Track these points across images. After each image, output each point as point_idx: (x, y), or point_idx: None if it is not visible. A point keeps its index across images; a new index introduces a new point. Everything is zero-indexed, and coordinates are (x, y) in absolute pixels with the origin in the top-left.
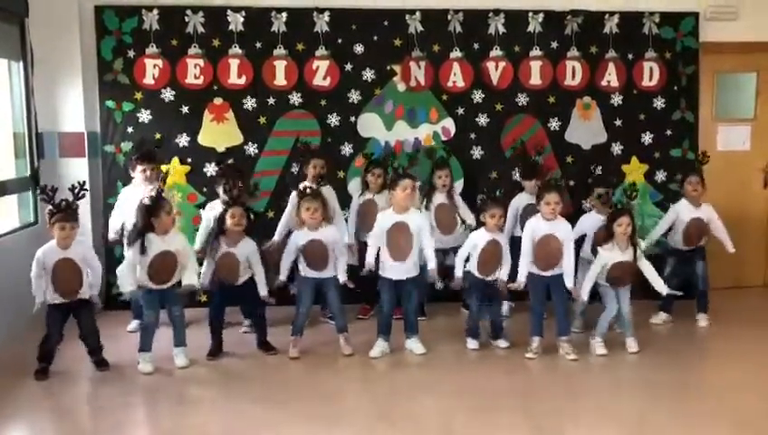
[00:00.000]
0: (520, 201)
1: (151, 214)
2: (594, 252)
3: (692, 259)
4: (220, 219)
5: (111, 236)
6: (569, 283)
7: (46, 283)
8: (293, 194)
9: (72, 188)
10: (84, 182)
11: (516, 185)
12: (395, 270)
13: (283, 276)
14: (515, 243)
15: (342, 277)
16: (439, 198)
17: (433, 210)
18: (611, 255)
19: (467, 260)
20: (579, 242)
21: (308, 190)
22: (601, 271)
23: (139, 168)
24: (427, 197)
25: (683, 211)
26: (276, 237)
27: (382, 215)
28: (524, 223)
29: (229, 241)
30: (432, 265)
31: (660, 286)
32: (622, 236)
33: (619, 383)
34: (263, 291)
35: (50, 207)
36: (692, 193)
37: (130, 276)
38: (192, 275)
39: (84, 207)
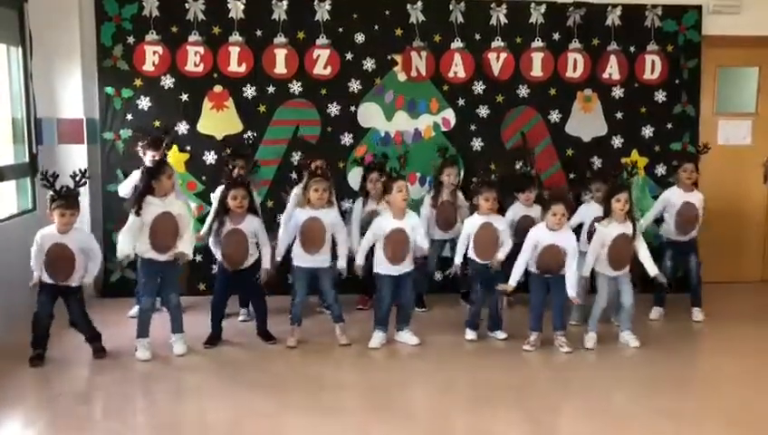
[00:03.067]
0: (515, 212)
1: (153, 176)
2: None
3: (687, 252)
4: (222, 200)
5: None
6: (571, 293)
7: (42, 264)
8: (293, 193)
9: (74, 176)
10: (86, 170)
11: (516, 178)
12: (393, 269)
13: (279, 256)
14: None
15: (342, 263)
16: (445, 194)
17: (438, 205)
18: (608, 230)
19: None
20: (576, 231)
21: (319, 171)
22: (601, 250)
23: (149, 153)
24: (435, 193)
25: (674, 197)
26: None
27: (381, 219)
28: (519, 233)
29: (234, 220)
30: (425, 246)
31: (651, 268)
32: (620, 213)
33: (616, 377)
34: (266, 264)
35: (51, 192)
36: (686, 180)
37: (127, 241)
38: (187, 245)
39: (83, 193)
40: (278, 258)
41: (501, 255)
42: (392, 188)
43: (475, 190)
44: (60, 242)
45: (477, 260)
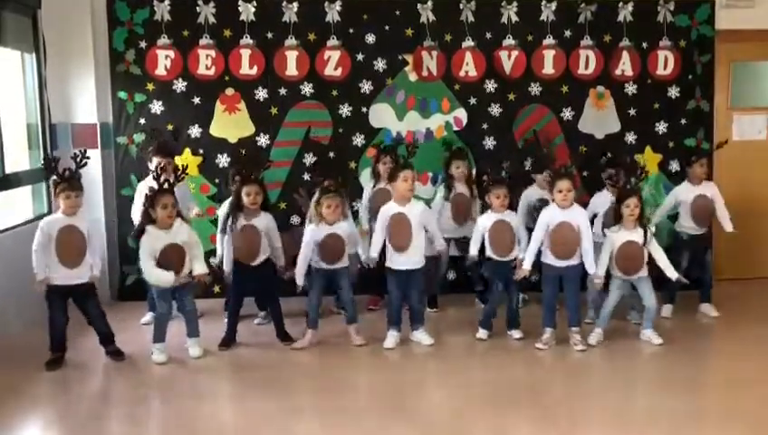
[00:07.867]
0: (531, 194)
1: (151, 205)
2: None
3: (703, 247)
4: (236, 196)
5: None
6: (589, 267)
7: (50, 255)
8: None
9: (75, 157)
10: (85, 150)
11: (527, 175)
12: (400, 261)
13: (300, 281)
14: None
15: (364, 256)
16: (459, 187)
17: (451, 198)
18: (618, 236)
19: (484, 247)
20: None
21: (330, 188)
22: (611, 256)
23: (156, 159)
24: (447, 187)
25: (684, 192)
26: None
27: (384, 207)
28: (538, 216)
29: (247, 217)
30: (440, 241)
31: (671, 272)
32: (629, 218)
33: (632, 376)
34: (280, 261)
35: (54, 177)
36: (701, 175)
37: (156, 271)
38: (202, 264)
39: (97, 198)
40: (299, 282)
41: (521, 254)
42: (398, 176)
43: (486, 188)
44: (69, 224)
45: (495, 257)
